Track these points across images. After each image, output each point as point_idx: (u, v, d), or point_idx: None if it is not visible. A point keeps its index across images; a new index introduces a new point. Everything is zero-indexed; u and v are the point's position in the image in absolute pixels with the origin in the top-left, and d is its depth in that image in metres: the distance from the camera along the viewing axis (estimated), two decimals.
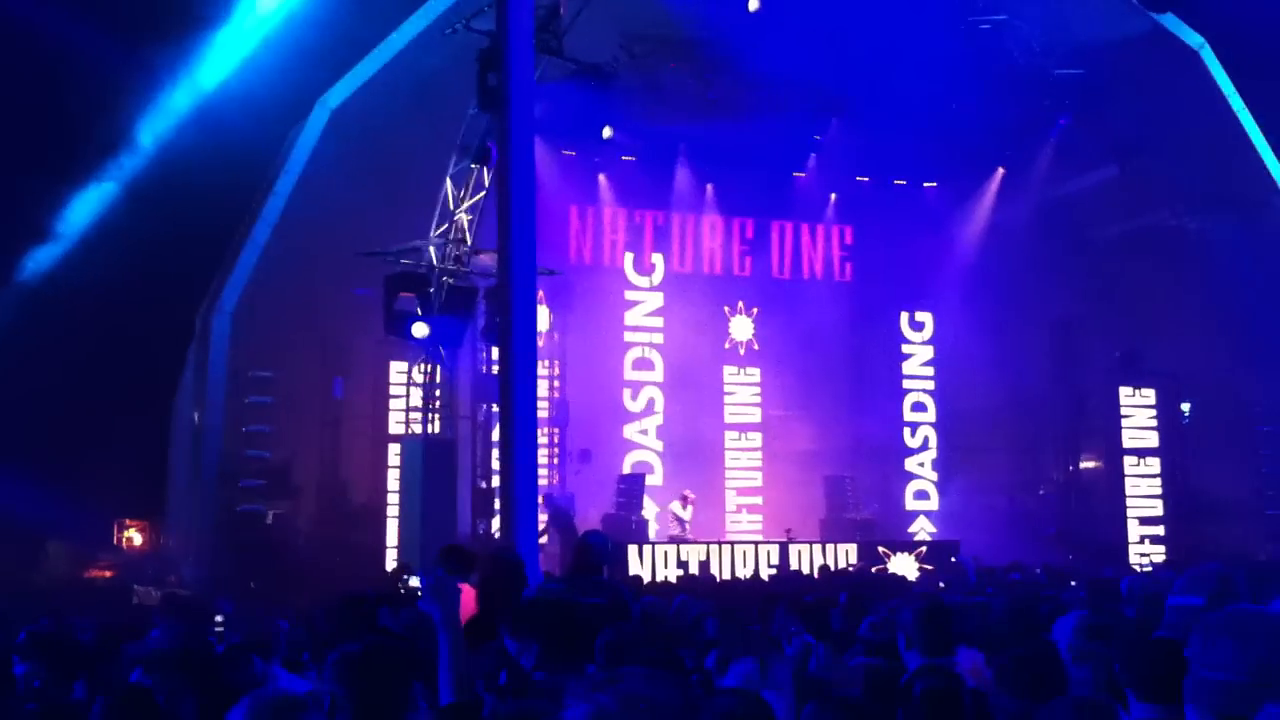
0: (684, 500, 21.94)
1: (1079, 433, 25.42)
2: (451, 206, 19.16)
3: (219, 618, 12.27)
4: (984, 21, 21.48)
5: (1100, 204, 24.34)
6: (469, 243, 19.27)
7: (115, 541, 23.35)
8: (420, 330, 18.42)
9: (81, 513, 20.83)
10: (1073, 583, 11.18)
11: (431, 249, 19.07)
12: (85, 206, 20.38)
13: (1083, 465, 25.53)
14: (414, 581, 5.04)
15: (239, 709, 3.42)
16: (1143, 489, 24.56)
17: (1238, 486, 23.76)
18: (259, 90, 19.29)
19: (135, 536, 23.62)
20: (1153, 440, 24.69)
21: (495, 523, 17.79)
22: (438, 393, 19.69)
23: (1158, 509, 24.48)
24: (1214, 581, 3.83)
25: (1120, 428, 24.58)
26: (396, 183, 18.88)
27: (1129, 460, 24.60)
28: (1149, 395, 24.67)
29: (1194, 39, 22.50)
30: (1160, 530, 24.28)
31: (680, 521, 21.69)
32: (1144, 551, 23.65)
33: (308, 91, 19.88)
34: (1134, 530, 24.29)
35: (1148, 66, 21.64)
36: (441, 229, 19.15)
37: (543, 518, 19.61)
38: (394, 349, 20.66)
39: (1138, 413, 24.72)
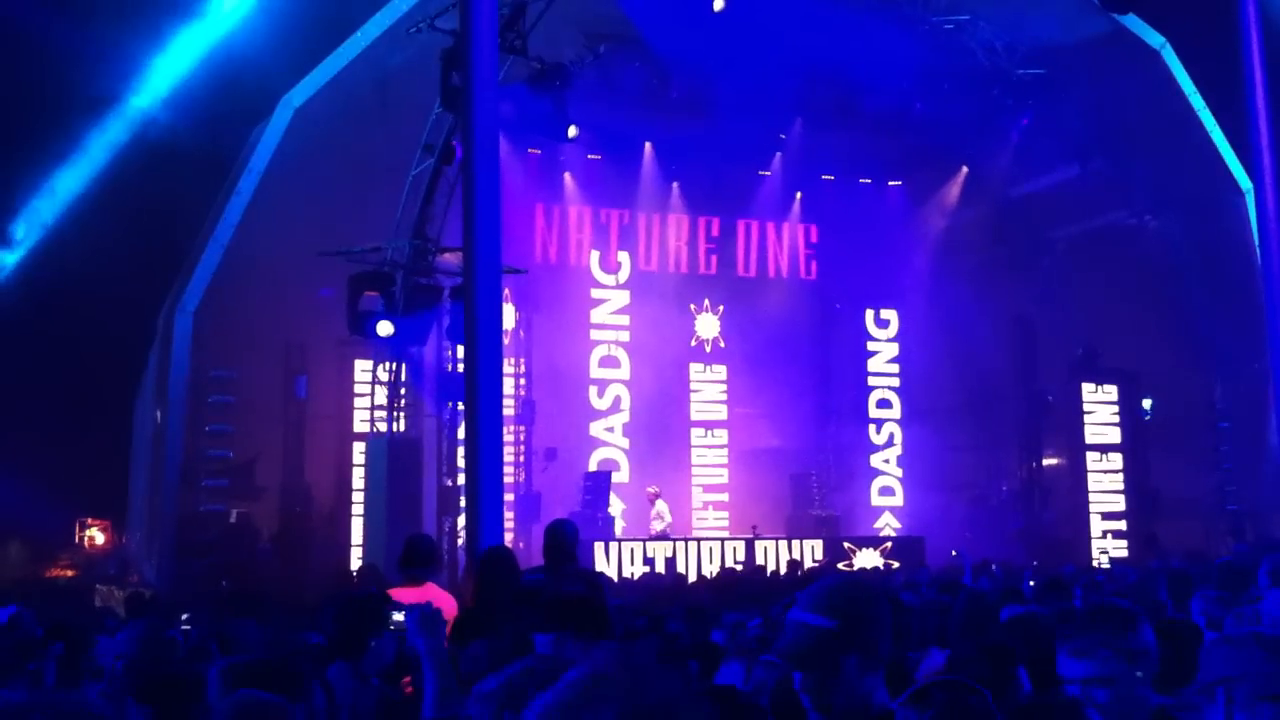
0: (652, 499, 21.99)
1: (1041, 429, 25.59)
2: (416, 206, 19.11)
3: (185, 615, 12.24)
4: (947, 22, 21.58)
5: (1061, 203, 24.52)
6: (434, 242, 19.22)
7: (76, 540, 23.22)
8: (385, 329, 18.35)
9: (43, 512, 20.71)
10: (1031, 581, 11.27)
11: (396, 248, 19.02)
12: (46, 207, 20.24)
13: (1045, 462, 25.70)
14: (397, 616, 5.07)
15: (218, 711, 3.44)
16: (1105, 485, 24.76)
17: (1199, 482, 24.01)
18: (221, 89, 19.19)
19: (97, 536, 23.50)
20: (1115, 436, 24.89)
21: (461, 521, 17.75)
22: (402, 391, 19.65)
23: (1120, 504, 24.68)
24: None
25: (1082, 424, 24.77)
26: (360, 182, 18.79)
27: (1091, 456, 24.79)
28: (1111, 392, 24.87)
29: (1155, 39, 22.68)
30: (1123, 525, 24.49)
31: (660, 517, 21.73)
32: (1105, 547, 23.83)
33: (271, 90, 19.77)
34: (1096, 525, 24.49)
35: (1109, 67, 21.79)
36: (406, 228, 19.11)
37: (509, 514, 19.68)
38: (358, 348, 20.59)
39: (1100, 409, 24.92)
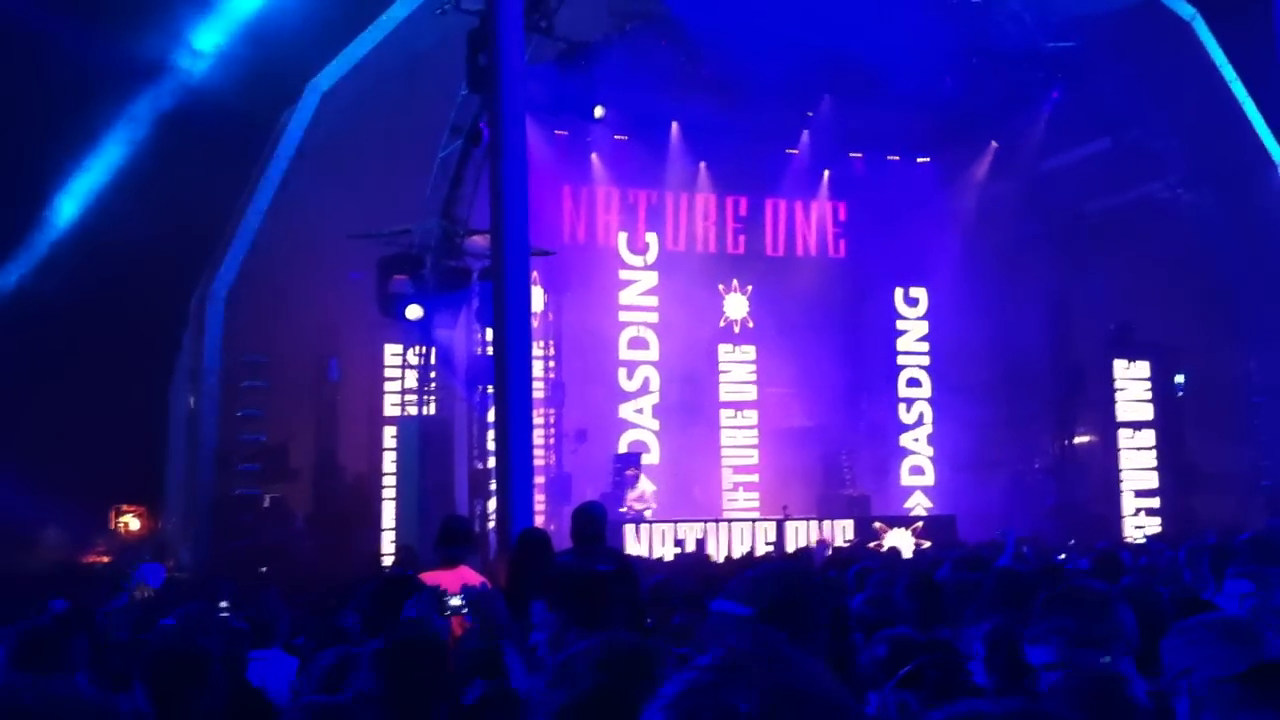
0: (634, 479, 21.78)
1: (1074, 406, 25.43)
2: (444, 188, 19.13)
3: (224, 603, 12.28)
4: None
5: (1093, 177, 24.30)
6: (462, 223, 19.24)
7: (112, 526, 23.36)
8: (414, 312, 18.41)
9: (78, 498, 20.83)
10: (1062, 555, 11.21)
11: (425, 231, 19.05)
12: (77, 193, 20.35)
13: (1077, 439, 25.56)
14: (454, 601, 5.06)
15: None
16: (1138, 462, 24.60)
17: (1233, 458, 23.80)
18: (250, 74, 19.23)
19: (132, 521, 23.61)
20: (1147, 413, 24.71)
21: (492, 504, 17.81)
22: (433, 374, 19.70)
23: (1153, 481, 24.53)
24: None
25: (1114, 401, 24.62)
26: (389, 165, 18.83)
27: (1124, 433, 24.64)
28: (1143, 368, 24.69)
29: (1185, 10, 22.46)
30: (1156, 503, 24.34)
31: (642, 499, 21.59)
32: (1140, 524, 23.70)
33: (298, 74, 19.82)
34: (1129, 503, 24.35)
35: (1139, 38, 21.59)
36: (435, 210, 19.13)
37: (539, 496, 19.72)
38: (389, 331, 20.65)
39: (1132, 385, 24.74)
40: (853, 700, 1.61)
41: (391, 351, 21.58)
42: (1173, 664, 3.30)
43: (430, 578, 6.90)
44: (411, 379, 19.92)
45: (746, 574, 3.25)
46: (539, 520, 16.89)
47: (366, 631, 5.49)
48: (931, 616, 5.91)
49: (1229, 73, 22.87)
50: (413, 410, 19.81)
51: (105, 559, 21.81)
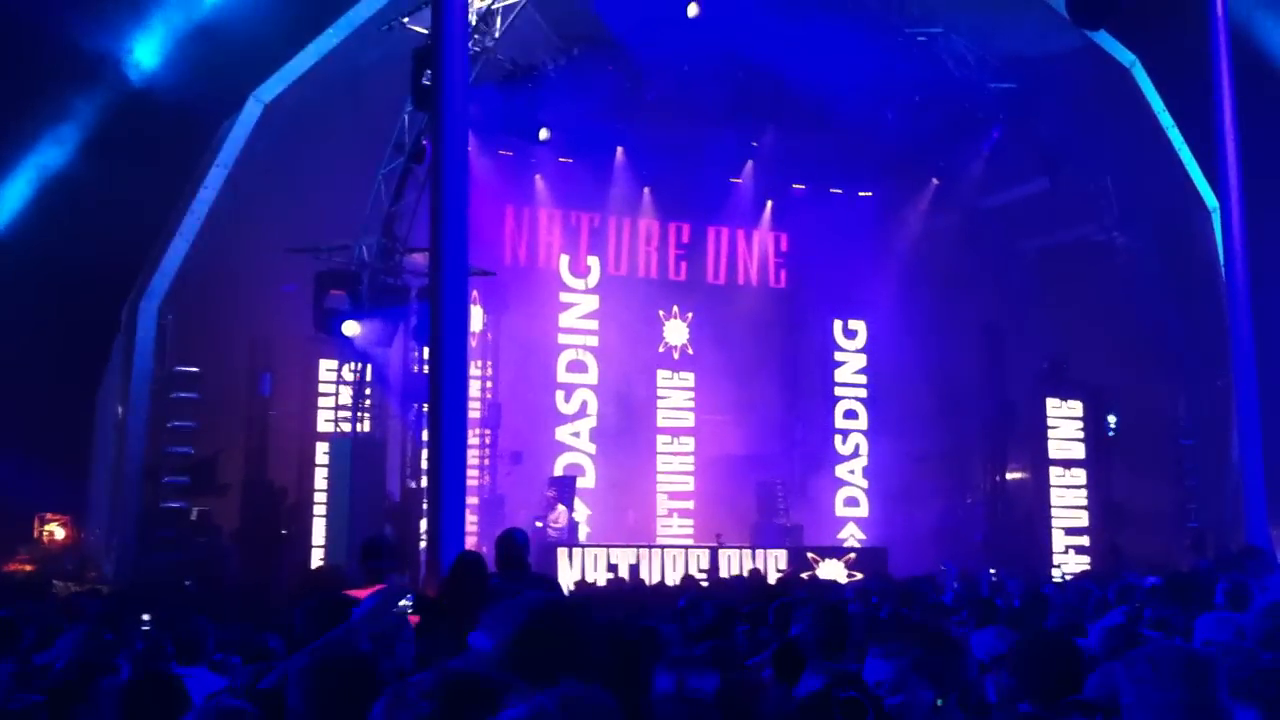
0: (552, 502, 21.45)
1: (1007, 442, 25.66)
2: (385, 204, 19.02)
3: (145, 616, 12.08)
4: (920, 34, 21.66)
5: (1030, 215, 24.60)
6: (402, 241, 19.13)
7: (35, 535, 22.97)
8: (351, 328, 18.28)
9: (1, 506, 20.48)
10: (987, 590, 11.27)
11: (364, 247, 18.93)
12: (10, 197, 20.04)
13: (1009, 475, 25.78)
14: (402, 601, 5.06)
15: None
16: (1068, 499, 24.86)
17: (1161, 498, 24.11)
18: (191, 82, 19.04)
19: (56, 531, 23.25)
20: (1079, 451, 24.99)
21: (423, 524, 17.67)
22: (367, 391, 19.53)
23: (1083, 519, 24.80)
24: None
25: (1046, 438, 24.87)
26: (329, 179, 18.66)
27: (1055, 470, 24.89)
28: (1075, 407, 24.97)
29: (1125, 56, 22.81)
30: (1085, 540, 24.58)
31: (557, 521, 21.27)
32: (1067, 561, 23.91)
33: (241, 85, 19.62)
34: (1059, 540, 24.58)
35: (1080, 82, 21.90)
36: (374, 227, 19.01)
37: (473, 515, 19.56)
38: (324, 346, 20.44)
39: (1064, 424, 25.02)
40: None
41: (326, 367, 21.34)
42: (1108, 692, 3.31)
43: (355, 594, 6.81)
44: (346, 396, 19.73)
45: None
46: (470, 541, 16.78)
47: (293, 651, 5.38)
48: (835, 648, 5.93)
49: (1166, 119, 23.24)
50: (346, 427, 19.62)
51: (28, 568, 21.43)
